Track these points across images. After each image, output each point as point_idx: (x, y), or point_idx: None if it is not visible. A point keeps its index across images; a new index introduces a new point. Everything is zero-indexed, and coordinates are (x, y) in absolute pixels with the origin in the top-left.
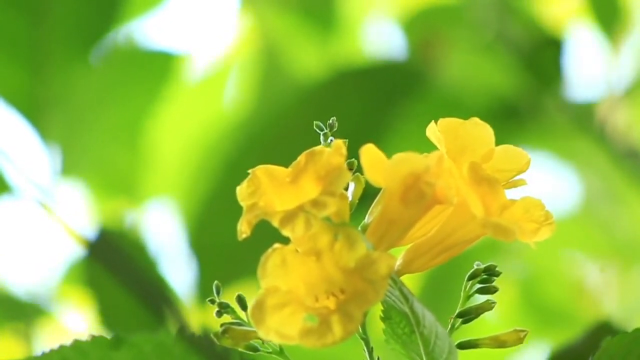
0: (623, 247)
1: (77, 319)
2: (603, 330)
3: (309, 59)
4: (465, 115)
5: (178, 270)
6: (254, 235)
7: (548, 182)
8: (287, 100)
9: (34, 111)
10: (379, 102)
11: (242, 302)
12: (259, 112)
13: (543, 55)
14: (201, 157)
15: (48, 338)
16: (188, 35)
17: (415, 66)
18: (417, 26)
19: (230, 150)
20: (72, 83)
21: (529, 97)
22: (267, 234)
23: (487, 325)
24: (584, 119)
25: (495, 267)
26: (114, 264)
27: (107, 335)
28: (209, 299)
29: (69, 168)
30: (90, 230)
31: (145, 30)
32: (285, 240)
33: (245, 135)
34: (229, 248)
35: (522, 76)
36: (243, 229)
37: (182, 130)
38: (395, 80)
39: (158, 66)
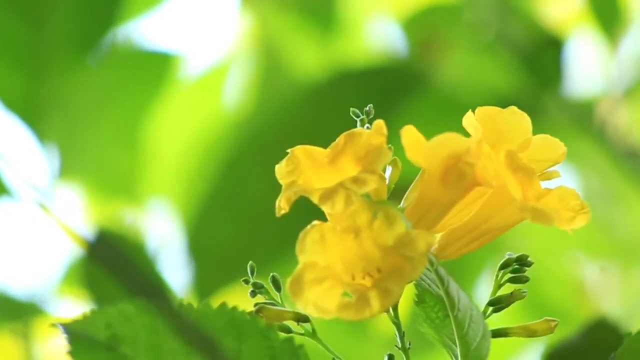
0: (623, 247)
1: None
2: (599, 327)
3: (309, 59)
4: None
5: (176, 270)
6: (256, 235)
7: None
8: (287, 101)
9: (32, 113)
10: (379, 102)
11: (276, 283)
12: (259, 112)
13: (543, 55)
14: (200, 158)
15: (46, 338)
16: (187, 35)
17: (415, 66)
18: (417, 26)
19: (229, 151)
20: (70, 85)
21: (529, 97)
22: (267, 234)
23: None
24: (584, 119)
25: (527, 257)
26: (112, 265)
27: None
28: (242, 279)
29: (67, 169)
30: (88, 231)
31: (143, 30)
32: (287, 239)
33: (245, 136)
34: (227, 248)
35: (522, 76)
36: (282, 205)
37: (181, 131)
38: (396, 80)
39: (157, 67)
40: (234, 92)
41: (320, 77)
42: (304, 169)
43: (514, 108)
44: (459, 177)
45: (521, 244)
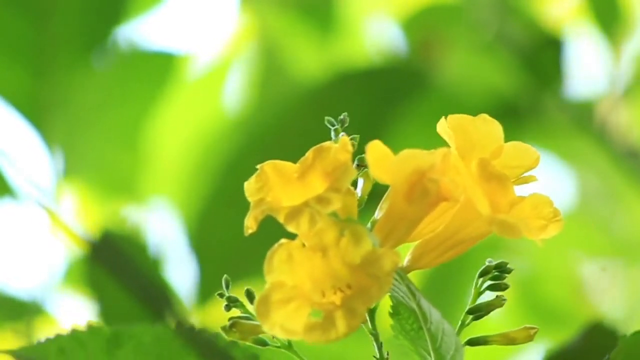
0: (623, 247)
1: (77, 319)
2: (597, 331)
3: (309, 59)
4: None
5: (179, 270)
6: (258, 235)
7: (548, 181)
8: (287, 101)
9: (37, 113)
10: (379, 102)
11: (251, 296)
12: (259, 112)
13: (543, 55)
14: (201, 158)
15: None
16: (187, 35)
17: (415, 66)
18: (416, 26)
19: (230, 150)
20: (74, 85)
21: (529, 97)
22: (270, 234)
23: (486, 324)
24: (584, 119)
25: (507, 264)
26: (115, 265)
27: (106, 327)
28: (217, 292)
29: (70, 170)
30: (91, 231)
31: (144, 30)
32: (291, 237)
33: (246, 135)
34: (229, 248)
35: (522, 76)
36: (249, 225)
37: (183, 131)
38: (396, 81)
39: (159, 66)
40: (234, 92)
41: (320, 77)
42: (273, 186)
43: (485, 115)
44: (422, 194)
45: (521, 243)
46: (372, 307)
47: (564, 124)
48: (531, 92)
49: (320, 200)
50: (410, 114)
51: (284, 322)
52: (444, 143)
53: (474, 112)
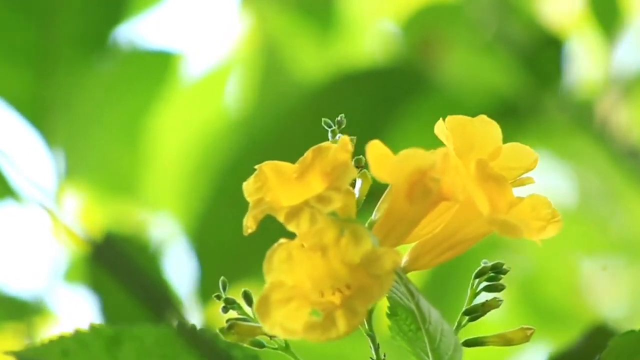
0: (623, 247)
1: (79, 319)
2: (599, 333)
3: (309, 59)
4: (466, 115)
5: (180, 270)
6: (258, 235)
7: (548, 181)
8: (288, 101)
9: (39, 114)
10: (379, 102)
11: (248, 298)
12: (260, 112)
13: (543, 54)
14: (202, 158)
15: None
16: (187, 36)
17: (415, 66)
18: (416, 26)
19: (231, 151)
20: (76, 86)
21: (529, 97)
22: (271, 234)
23: (485, 324)
24: (584, 118)
25: (502, 265)
26: (116, 266)
27: (108, 327)
28: (215, 294)
29: (72, 170)
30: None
31: (143, 30)
32: (290, 237)
33: (246, 136)
34: (230, 248)
35: (522, 76)
36: (249, 224)
37: (183, 131)
38: (396, 81)
39: (160, 66)
40: (235, 92)
41: (321, 77)
42: (272, 186)
43: (483, 116)
44: (424, 193)
45: (521, 243)
46: (370, 307)
47: (563, 123)
48: (531, 92)
49: (321, 199)
50: (410, 114)
51: (284, 322)
52: (444, 143)
53: (474, 112)
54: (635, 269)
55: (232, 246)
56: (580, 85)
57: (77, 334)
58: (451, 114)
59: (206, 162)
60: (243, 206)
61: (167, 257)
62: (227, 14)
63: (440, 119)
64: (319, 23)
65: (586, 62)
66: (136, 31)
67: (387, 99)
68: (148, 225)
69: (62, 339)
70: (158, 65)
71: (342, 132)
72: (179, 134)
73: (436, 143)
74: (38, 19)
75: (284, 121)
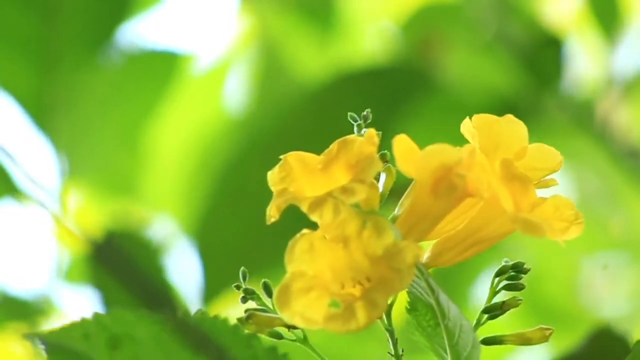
0: (623, 246)
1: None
2: (603, 335)
3: (309, 59)
4: (466, 115)
5: (182, 270)
6: (260, 234)
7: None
8: (288, 101)
9: (42, 113)
10: (380, 102)
11: (267, 289)
12: (260, 112)
13: (543, 54)
14: (203, 157)
15: None
16: (188, 35)
17: (415, 66)
18: (416, 26)
19: (231, 151)
20: (80, 84)
21: (529, 96)
22: (271, 234)
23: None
24: (584, 118)
25: (524, 264)
26: (117, 265)
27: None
28: (234, 284)
29: (75, 170)
30: (94, 231)
31: (145, 29)
32: (290, 237)
33: (247, 136)
34: (232, 247)
35: (522, 75)
36: (272, 213)
37: (185, 131)
38: (397, 81)
39: (162, 66)
40: (235, 92)
41: (321, 77)
42: (296, 176)
43: (510, 116)
44: (449, 188)
45: (521, 243)
46: (390, 300)
47: (563, 123)
48: (531, 92)
49: (345, 190)
50: (410, 114)
51: (304, 311)
52: (445, 142)
53: (474, 112)
54: (636, 269)
55: (234, 245)
56: (580, 85)
57: (98, 317)
58: (451, 113)
59: (207, 161)
60: (245, 205)
61: (169, 256)
62: (226, 14)
63: (467, 117)
64: (318, 23)
65: (586, 62)
66: (138, 31)
67: (387, 98)
68: (149, 225)
69: (83, 321)
70: (161, 64)
71: (344, 133)
72: (181, 134)
73: (437, 142)
74: (42, 15)
75: (284, 121)
